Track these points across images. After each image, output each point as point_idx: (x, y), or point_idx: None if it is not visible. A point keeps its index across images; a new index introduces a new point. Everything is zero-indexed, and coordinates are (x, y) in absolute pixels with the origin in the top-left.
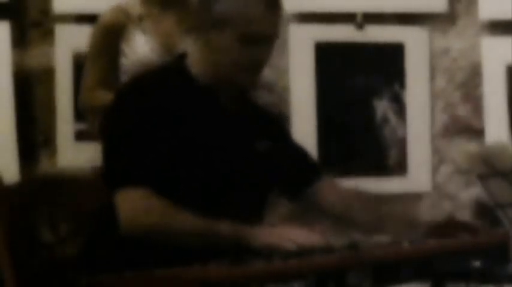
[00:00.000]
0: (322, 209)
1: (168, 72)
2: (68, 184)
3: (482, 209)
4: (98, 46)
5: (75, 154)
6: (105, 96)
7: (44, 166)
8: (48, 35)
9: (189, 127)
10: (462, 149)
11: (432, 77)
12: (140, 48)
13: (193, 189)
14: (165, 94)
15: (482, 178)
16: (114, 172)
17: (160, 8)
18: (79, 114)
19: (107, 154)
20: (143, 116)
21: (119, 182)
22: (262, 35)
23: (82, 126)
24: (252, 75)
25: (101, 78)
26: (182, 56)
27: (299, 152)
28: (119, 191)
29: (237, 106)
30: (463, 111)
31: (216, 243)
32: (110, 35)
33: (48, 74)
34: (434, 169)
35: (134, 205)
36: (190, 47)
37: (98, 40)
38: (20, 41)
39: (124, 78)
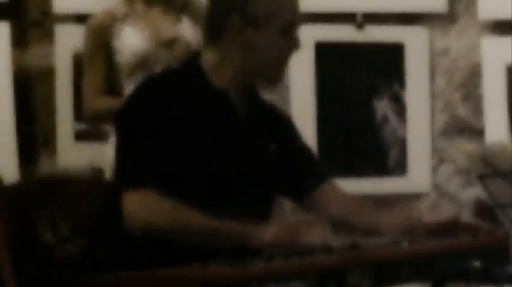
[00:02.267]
0: (324, 214)
1: (182, 74)
2: (68, 184)
3: (482, 209)
4: (91, 49)
5: (75, 154)
6: (107, 102)
7: (44, 166)
8: (48, 35)
9: (199, 129)
10: (462, 149)
11: (432, 77)
12: (131, 40)
13: (198, 190)
14: (178, 96)
15: (482, 178)
16: (124, 172)
17: (143, 4)
18: (79, 114)
19: (118, 153)
20: (154, 117)
21: (127, 183)
22: (297, 23)
23: (82, 126)
24: (284, 69)
25: (101, 83)
26: (196, 55)
27: (305, 154)
28: (127, 191)
29: (248, 108)
30: (463, 111)
31: (223, 242)
32: (101, 36)
33: (48, 74)
34: (434, 169)
35: (140, 206)
36: (210, 56)
37: (91, 43)
38: (20, 41)
39: (121, 75)
